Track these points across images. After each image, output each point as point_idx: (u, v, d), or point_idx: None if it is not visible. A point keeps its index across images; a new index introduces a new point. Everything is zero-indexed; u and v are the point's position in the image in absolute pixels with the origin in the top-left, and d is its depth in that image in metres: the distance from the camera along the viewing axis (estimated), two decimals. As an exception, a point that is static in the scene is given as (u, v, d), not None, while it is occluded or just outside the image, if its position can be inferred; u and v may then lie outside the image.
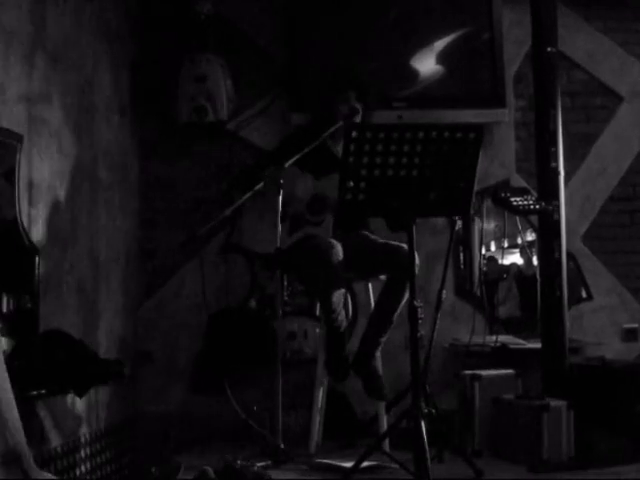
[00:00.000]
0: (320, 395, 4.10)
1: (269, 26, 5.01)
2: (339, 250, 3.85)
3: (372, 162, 3.31)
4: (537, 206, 4.24)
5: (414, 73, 4.89)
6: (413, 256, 3.50)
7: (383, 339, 3.98)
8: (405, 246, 3.65)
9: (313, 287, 4.17)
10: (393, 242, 3.96)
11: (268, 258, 4.02)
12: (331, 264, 3.81)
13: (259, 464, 3.63)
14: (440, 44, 4.87)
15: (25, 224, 3.44)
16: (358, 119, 4.10)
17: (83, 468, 3.98)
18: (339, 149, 3.97)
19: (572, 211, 4.78)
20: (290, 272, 4.22)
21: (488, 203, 4.78)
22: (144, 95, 4.92)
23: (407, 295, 3.71)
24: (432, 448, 3.40)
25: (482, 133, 3.39)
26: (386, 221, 4.02)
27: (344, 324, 3.99)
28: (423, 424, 3.32)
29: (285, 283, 4.43)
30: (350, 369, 4.00)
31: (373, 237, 4.13)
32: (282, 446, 3.84)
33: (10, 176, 3.35)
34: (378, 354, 3.99)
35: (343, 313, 3.99)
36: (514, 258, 5.16)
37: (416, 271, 3.71)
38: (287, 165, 3.88)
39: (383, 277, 4.05)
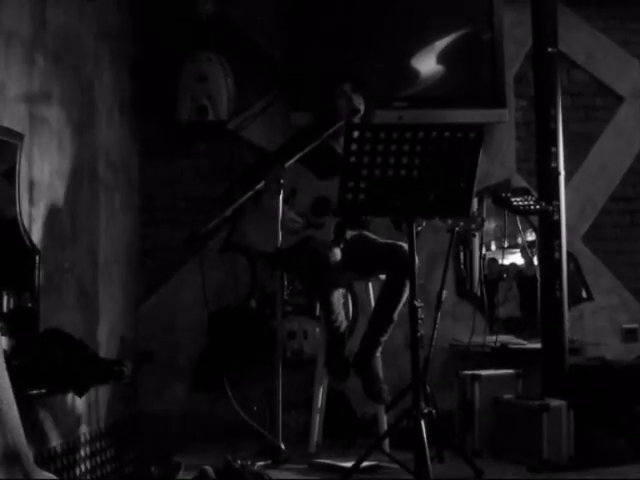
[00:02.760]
0: (320, 395, 4.10)
1: (270, 26, 5.01)
2: (337, 252, 3.86)
3: (372, 162, 3.31)
4: (537, 206, 4.24)
5: (415, 73, 4.88)
6: (413, 256, 3.49)
7: (384, 338, 3.97)
8: (403, 244, 3.66)
9: (312, 288, 4.17)
10: (392, 241, 3.97)
11: (269, 257, 4.02)
12: (329, 266, 3.81)
13: (259, 464, 3.63)
14: (441, 44, 4.87)
15: (25, 223, 3.44)
16: (359, 116, 4.10)
17: (83, 467, 3.98)
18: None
19: (572, 211, 4.78)
20: (290, 272, 4.22)
21: (488, 203, 4.78)
22: (145, 94, 4.92)
23: (406, 293, 3.71)
24: (432, 448, 3.40)
25: (482, 133, 3.39)
26: (391, 220, 4.03)
27: (344, 324, 3.99)
28: (423, 424, 3.32)
29: (285, 283, 4.43)
30: (350, 369, 4.00)
31: (373, 237, 4.13)
32: (282, 446, 3.83)
33: (11, 175, 3.35)
34: (379, 354, 3.99)
35: (343, 313, 3.99)
36: (514, 258, 5.16)
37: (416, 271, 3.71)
38: (288, 165, 3.87)
39: (383, 277, 4.05)
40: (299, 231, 4.02)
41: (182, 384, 4.86)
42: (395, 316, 3.91)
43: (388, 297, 3.93)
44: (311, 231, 4.01)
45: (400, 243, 3.83)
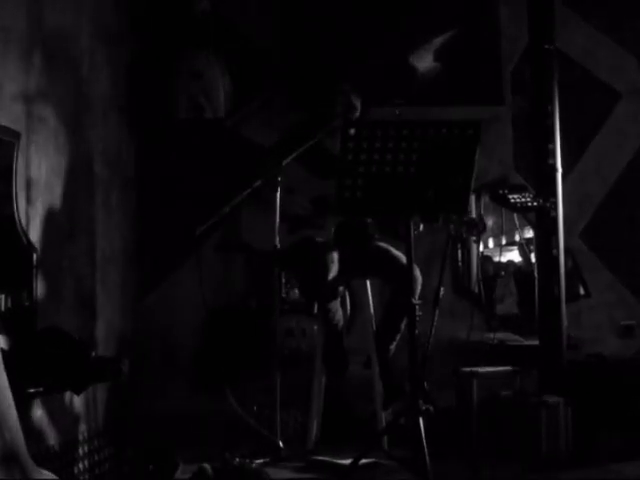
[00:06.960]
0: (318, 392, 4.10)
1: (267, 23, 5.01)
2: (335, 267, 3.86)
3: (370, 159, 3.31)
4: (535, 203, 4.25)
5: (412, 70, 4.89)
6: (411, 256, 3.49)
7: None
8: (403, 258, 3.68)
9: (309, 294, 4.18)
10: (395, 252, 3.98)
11: (267, 256, 4.02)
12: (326, 280, 3.85)
13: (257, 461, 3.64)
14: (438, 41, 4.88)
15: (23, 222, 3.43)
16: (357, 115, 4.10)
17: (81, 466, 3.98)
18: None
19: (570, 208, 4.77)
20: (288, 271, 4.23)
21: (486, 200, 4.78)
22: (142, 92, 4.91)
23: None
24: (430, 445, 3.40)
25: (479, 130, 3.38)
26: (383, 227, 4.03)
27: (342, 322, 4.00)
28: (421, 421, 3.32)
29: (283, 281, 4.43)
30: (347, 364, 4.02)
31: (379, 242, 4.12)
32: (280, 443, 3.84)
33: (8, 174, 3.34)
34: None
35: (340, 311, 4.00)
36: (512, 255, 5.16)
37: (418, 287, 3.74)
38: (285, 163, 3.87)
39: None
40: (306, 219, 4.02)
41: (180, 382, 4.85)
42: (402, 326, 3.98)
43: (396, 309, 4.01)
44: (309, 232, 4.00)
45: (402, 261, 3.80)
